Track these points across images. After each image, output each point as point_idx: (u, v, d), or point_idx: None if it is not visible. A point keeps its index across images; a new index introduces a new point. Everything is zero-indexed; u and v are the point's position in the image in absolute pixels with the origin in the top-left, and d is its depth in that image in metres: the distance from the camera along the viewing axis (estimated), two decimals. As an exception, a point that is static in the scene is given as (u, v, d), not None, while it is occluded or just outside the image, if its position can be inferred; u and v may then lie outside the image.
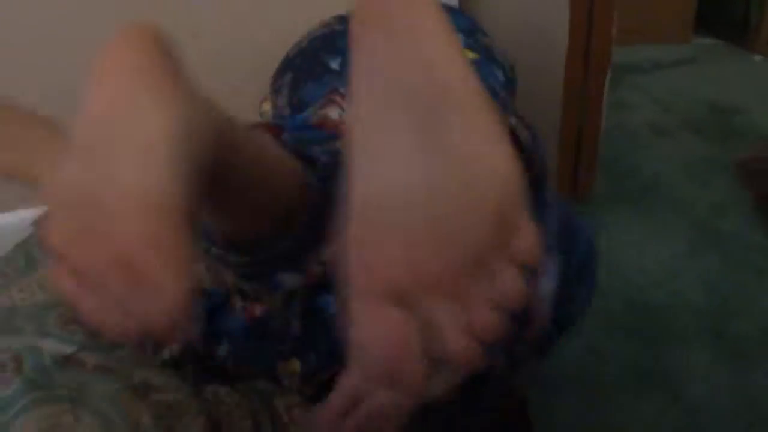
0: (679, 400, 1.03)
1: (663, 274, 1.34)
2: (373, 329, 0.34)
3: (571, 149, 1.52)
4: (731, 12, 2.69)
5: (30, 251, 1.05)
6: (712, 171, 1.72)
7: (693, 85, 2.30)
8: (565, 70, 1.38)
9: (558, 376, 1.08)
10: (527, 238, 0.35)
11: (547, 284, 0.64)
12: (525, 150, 0.61)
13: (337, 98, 0.84)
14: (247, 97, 1.11)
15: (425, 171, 0.33)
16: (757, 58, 2.51)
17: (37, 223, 0.94)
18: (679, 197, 1.61)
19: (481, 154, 0.34)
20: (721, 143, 1.86)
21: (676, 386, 1.06)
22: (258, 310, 0.87)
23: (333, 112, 0.81)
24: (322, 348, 0.83)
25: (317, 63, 0.97)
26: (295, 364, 0.86)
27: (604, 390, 1.04)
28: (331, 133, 0.69)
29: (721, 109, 2.09)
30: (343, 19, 1.05)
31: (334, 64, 0.96)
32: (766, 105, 2.09)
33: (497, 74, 0.97)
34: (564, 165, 1.53)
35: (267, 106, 1.01)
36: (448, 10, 1.15)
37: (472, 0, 1.22)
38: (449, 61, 0.36)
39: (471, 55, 0.95)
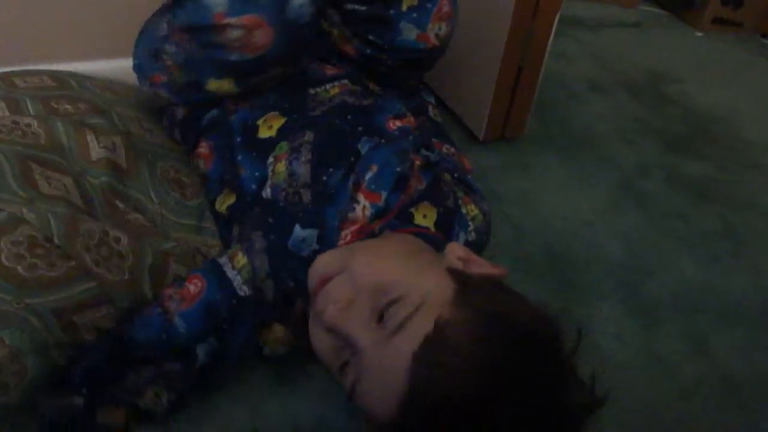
0: (587, 351, 0.98)
1: (582, 225, 1.28)
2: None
3: (508, 88, 1.44)
4: (679, -15, 2.66)
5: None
6: (642, 132, 1.69)
7: (633, 49, 2.26)
8: (514, 8, 1.29)
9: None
10: None
11: None
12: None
13: (359, 195, 0.80)
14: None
15: None
16: (699, 33, 2.50)
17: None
18: (606, 153, 1.56)
19: None
20: (654, 108, 1.83)
21: (587, 336, 1.01)
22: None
23: (356, 212, 0.81)
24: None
25: (346, 146, 0.83)
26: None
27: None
28: None
29: (657, 75, 2.06)
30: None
31: (364, 147, 0.83)
32: (701, 79, 2.08)
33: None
34: (498, 102, 1.45)
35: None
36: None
37: None
38: None
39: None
